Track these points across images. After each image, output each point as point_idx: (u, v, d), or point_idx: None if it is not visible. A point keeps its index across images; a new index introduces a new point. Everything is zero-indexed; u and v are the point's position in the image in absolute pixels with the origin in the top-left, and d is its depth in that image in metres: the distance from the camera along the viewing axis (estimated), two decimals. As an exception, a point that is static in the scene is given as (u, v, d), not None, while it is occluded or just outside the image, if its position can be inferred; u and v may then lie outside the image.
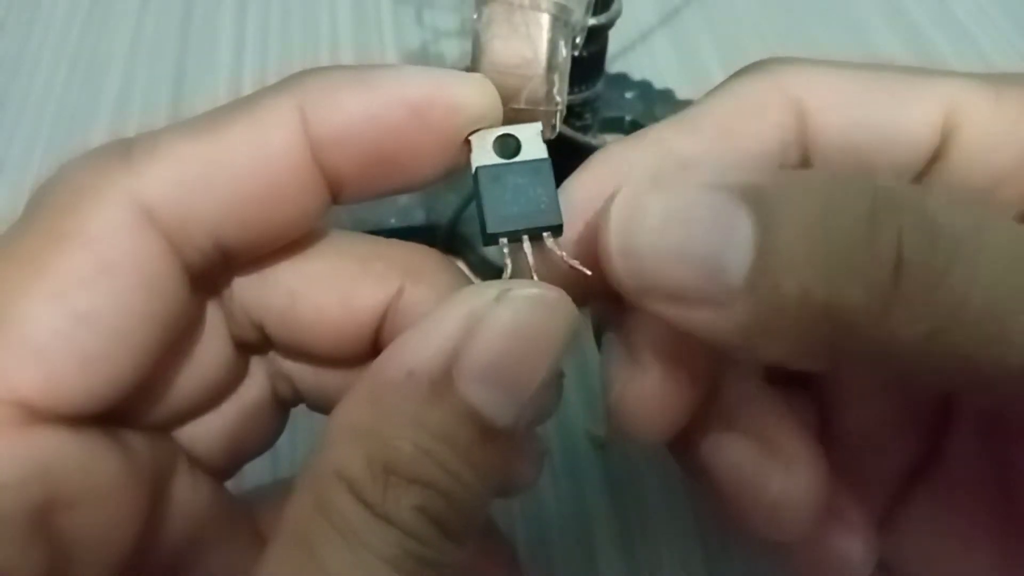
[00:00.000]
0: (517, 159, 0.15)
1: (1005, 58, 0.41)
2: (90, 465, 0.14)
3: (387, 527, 0.13)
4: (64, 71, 0.42)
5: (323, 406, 0.19)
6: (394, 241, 0.18)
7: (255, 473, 0.20)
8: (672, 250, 0.14)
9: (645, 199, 0.14)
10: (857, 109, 0.16)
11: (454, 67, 0.43)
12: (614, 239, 0.14)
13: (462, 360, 0.13)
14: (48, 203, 0.14)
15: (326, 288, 0.17)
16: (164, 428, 0.17)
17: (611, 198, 0.14)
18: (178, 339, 0.16)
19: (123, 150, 0.14)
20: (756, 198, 0.13)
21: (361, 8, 0.44)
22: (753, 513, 0.17)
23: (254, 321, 0.17)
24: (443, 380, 0.13)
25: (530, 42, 0.17)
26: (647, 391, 0.16)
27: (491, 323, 0.13)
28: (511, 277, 0.15)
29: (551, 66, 0.17)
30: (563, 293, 0.14)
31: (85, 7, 0.45)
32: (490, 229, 0.15)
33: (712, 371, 0.17)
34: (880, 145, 0.16)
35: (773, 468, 0.16)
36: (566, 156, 0.19)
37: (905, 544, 0.20)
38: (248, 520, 0.18)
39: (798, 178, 0.14)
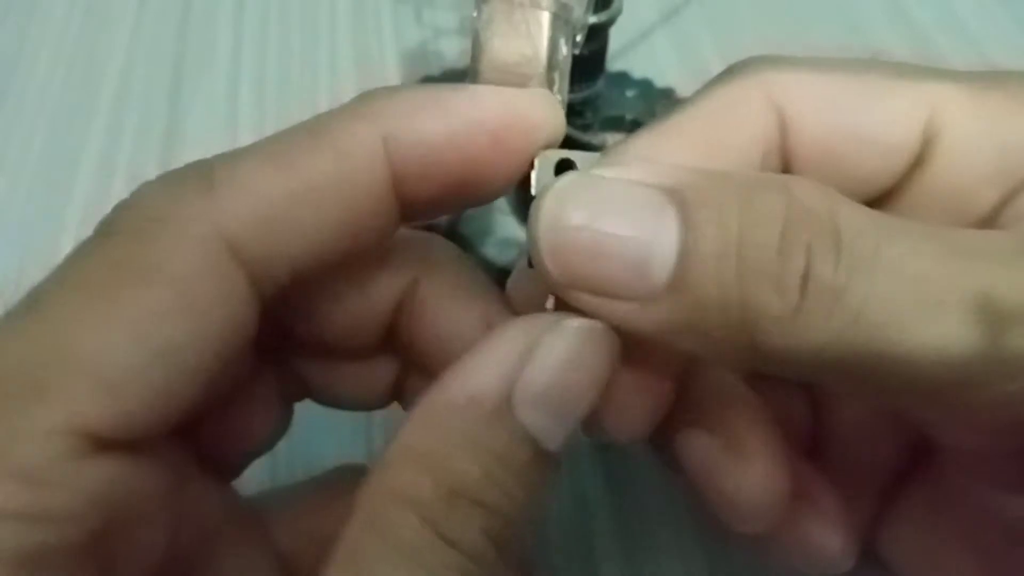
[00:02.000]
0: None
1: (1007, 57, 0.41)
2: (140, 487, 0.14)
3: (450, 550, 0.13)
4: (62, 70, 0.41)
5: (330, 399, 0.19)
6: (409, 232, 0.18)
7: (254, 476, 0.20)
8: (597, 246, 0.14)
9: (575, 194, 0.14)
10: (838, 116, 0.16)
11: (453, 66, 0.43)
12: (542, 230, 0.14)
13: (520, 386, 0.14)
14: (124, 229, 0.14)
15: (344, 278, 0.17)
16: (182, 431, 0.17)
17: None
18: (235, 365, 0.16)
19: (203, 177, 0.14)
20: (682, 200, 0.14)
21: (360, 6, 0.44)
22: (718, 505, 0.17)
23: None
24: (502, 404, 0.14)
25: (530, 40, 0.16)
26: (617, 396, 0.16)
27: (546, 351, 0.14)
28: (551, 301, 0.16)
29: (551, 64, 0.17)
30: (606, 326, 0.15)
31: (83, 6, 0.45)
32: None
33: (680, 369, 0.17)
34: (861, 152, 0.17)
35: (732, 461, 0.17)
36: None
37: (897, 542, 0.20)
38: (258, 525, 0.18)
39: (719, 179, 0.14)
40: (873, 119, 0.16)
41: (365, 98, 0.15)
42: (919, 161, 0.16)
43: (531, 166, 0.16)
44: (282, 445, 0.20)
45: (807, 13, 0.43)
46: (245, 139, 0.15)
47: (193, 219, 0.14)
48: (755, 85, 0.17)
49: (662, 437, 0.18)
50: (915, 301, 0.13)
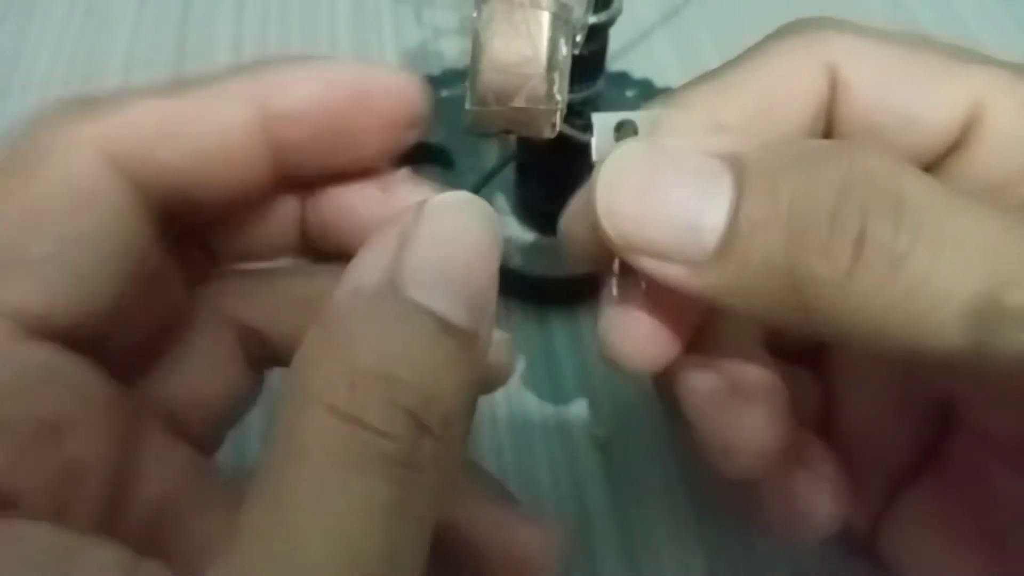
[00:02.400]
0: None
1: (1007, 56, 0.41)
2: (83, 386, 0.15)
3: (356, 429, 0.12)
4: (62, 69, 0.41)
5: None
6: None
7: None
8: (652, 211, 0.15)
9: (631, 160, 0.15)
10: (884, 90, 0.17)
11: (454, 66, 0.43)
12: (600, 196, 0.15)
13: (401, 266, 0.14)
14: (21, 147, 0.16)
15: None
16: (131, 371, 0.17)
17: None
18: (141, 273, 0.17)
19: (91, 102, 0.16)
20: (738, 165, 0.14)
21: (360, 6, 0.44)
22: (712, 445, 0.17)
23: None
24: (385, 287, 0.13)
25: (530, 40, 0.16)
26: (632, 326, 0.17)
27: (420, 230, 0.14)
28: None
29: (551, 65, 0.17)
30: (476, 197, 0.15)
31: (83, 5, 0.45)
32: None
33: (698, 315, 0.18)
34: (900, 127, 0.17)
35: (732, 403, 0.17)
36: (567, 155, 0.19)
37: (902, 539, 0.20)
38: (235, 496, 0.18)
39: (781, 147, 0.15)
40: (920, 98, 0.17)
41: (252, 62, 0.17)
42: (958, 146, 0.17)
43: (589, 128, 0.16)
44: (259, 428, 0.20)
45: (807, 12, 0.43)
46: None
47: (78, 133, 0.15)
48: (813, 45, 0.17)
49: (670, 375, 0.18)
50: (985, 279, 0.13)
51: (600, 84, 0.32)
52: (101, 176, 0.15)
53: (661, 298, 0.17)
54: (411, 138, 0.18)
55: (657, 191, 0.15)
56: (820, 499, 0.19)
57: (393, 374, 0.13)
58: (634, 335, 0.17)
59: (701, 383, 0.18)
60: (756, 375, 0.18)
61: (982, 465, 0.19)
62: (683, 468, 0.27)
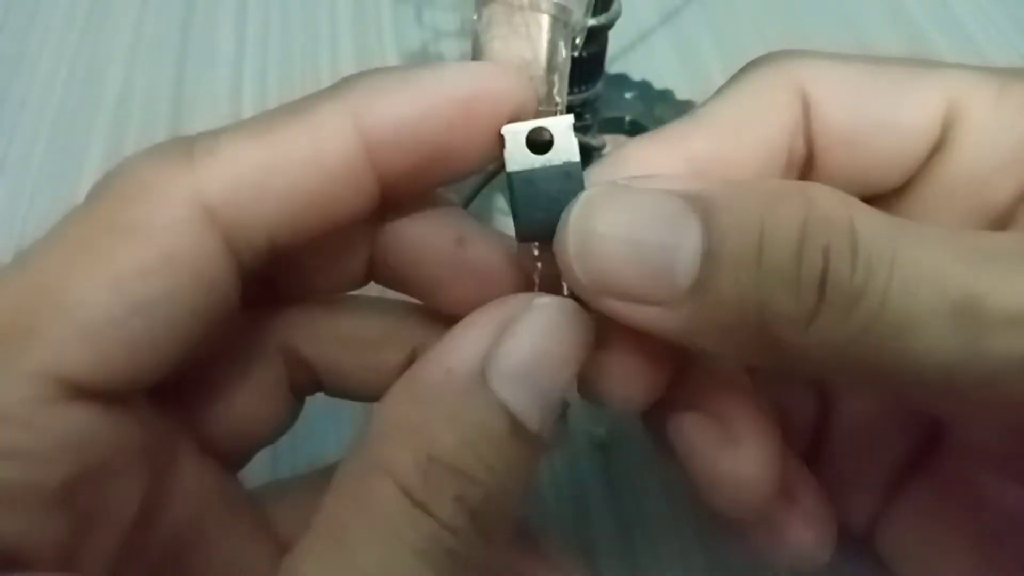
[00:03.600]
0: (550, 159, 0.16)
1: (1004, 57, 0.41)
2: (117, 439, 0.15)
3: (424, 517, 0.13)
4: (64, 71, 0.42)
5: (338, 389, 0.20)
6: None
7: (253, 473, 0.20)
8: (624, 254, 0.14)
9: (602, 204, 0.15)
10: (860, 101, 0.17)
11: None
12: (571, 240, 0.15)
13: (493, 359, 0.14)
14: (110, 194, 0.15)
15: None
16: (173, 393, 0.17)
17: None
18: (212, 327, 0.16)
19: (185, 148, 0.15)
20: (705, 207, 0.14)
21: (361, 8, 0.44)
22: (706, 488, 0.18)
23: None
24: (478, 378, 0.14)
25: (530, 43, 0.17)
26: (614, 364, 0.17)
27: (522, 327, 0.15)
28: (540, 273, 0.17)
29: (551, 67, 0.17)
30: (580, 307, 0.15)
31: (85, 7, 0.45)
32: (523, 234, 0.16)
33: (678, 351, 0.17)
34: (882, 136, 0.17)
35: (723, 447, 0.17)
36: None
37: (895, 538, 0.20)
38: (259, 515, 0.19)
39: (742, 188, 0.15)
40: (894, 105, 0.17)
41: (341, 81, 0.16)
42: (939, 148, 0.17)
43: (501, 141, 0.16)
44: (281, 444, 0.20)
45: (806, 15, 0.43)
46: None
47: (173, 184, 0.15)
48: (781, 73, 0.17)
49: (657, 415, 0.18)
50: (931, 303, 0.13)
51: (599, 86, 0.32)
52: (191, 235, 0.15)
53: (642, 334, 0.16)
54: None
55: (628, 234, 0.14)
56: (807, 535, 0.19)
57: (467, 471, 0.14)
58: (615, 374, 0.17)
59: (691, 427, 0.18)
60: (746, 412, 0.18)
61: (972, 471, 0.19)
62: (691, 514, 0.27)
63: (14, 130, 0.39)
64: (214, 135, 0.15)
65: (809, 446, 0.21)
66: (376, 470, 0.14)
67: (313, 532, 0.14)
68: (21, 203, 0.36)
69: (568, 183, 0.16)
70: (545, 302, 0.15)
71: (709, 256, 0.14)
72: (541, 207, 0.16)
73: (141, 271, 0.14)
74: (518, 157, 0.16)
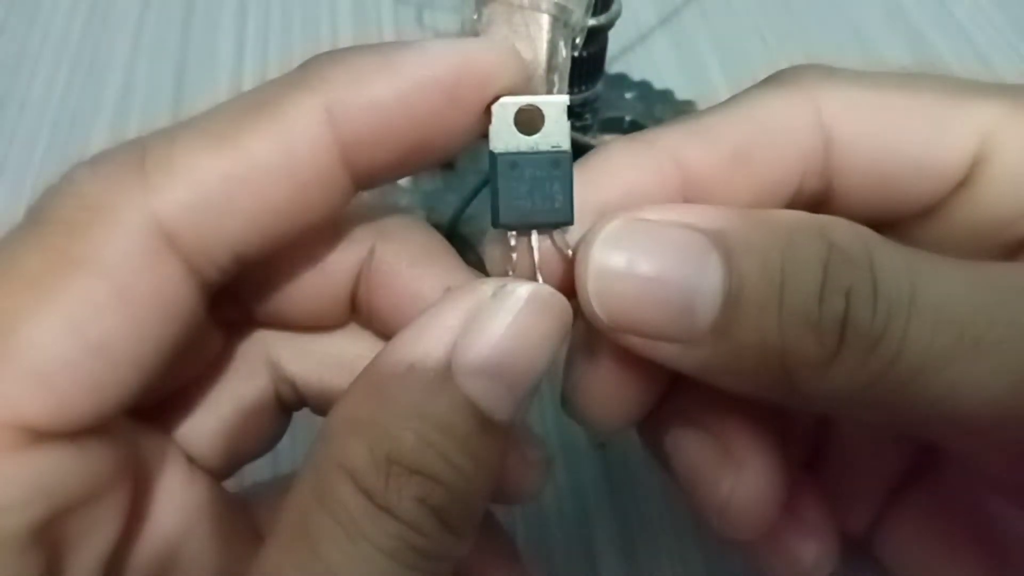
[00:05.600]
0: (538, 142, 0.15)
1: (1004, 60, 0.41)
2: (88, 473, 0.14)
3: (388, 518, 0.13)
4: (65, 71, 0.42)
5: (325, 408, 0.19)
6: (364, 200, 0.17)
7: (255, 474, 0.20)
8: (645, 292, 0.14)
9: (622, 239, 0.14)
10: (889, 141, 0.16)
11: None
12: (591, 276, 0.14)
13: (460, 353, 0.13)
14: (57, 218, 0.13)
15: (299, 253, 0.17)
16: (155, 419, 0.17)
17: (601, 218, 0.15)
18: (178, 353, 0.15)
19: (137, 161, 0.14)
20: (726, 245, 0.14)
21: (361, 8, 0.45)
22: (706, 510, 0.17)
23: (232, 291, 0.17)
24: (443, 372, 0.13)
25: (530, 43, 0.17)
26: (598, 382, 0.16)
27: (488, 318, 0.14)
28: (515, 265, 0.16)
29: (551, 67, 0.17)
30: (557, 292, 0.14)
31: (86, 7, 0.45)
32: (502, 220, 0.15)
33: (669, 371, 0.17)
34: (907, 176, 0.16)
35: (726, 468, 0.17)
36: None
37: (896, 544, 0.20)
38: (245, 518, 0.18)
39: (761, 224, 0.14)
40: (924, 143, 0.16)
41: (308, 64, 0.14)
42: (965, 182, 0.16)
43: (489, 116, 0.15)
44: (283, 447, 0.20)
45: (805, 16, 0.43)
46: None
47: (127, 208, 0.13)
48: (805, 99, 0.16)
49: (654, 433, 0.18)
50: (951, 342, 0.13)
51: (599, 86, 0.32)
52: (147, 265, 0.13)
53: (629, 355, 0.16)
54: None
55: (648, 272, 0.14)
56: (809, 549, 0.19)
57: (430, 473, 0.13)
58: (599, 394, 0.16)
59: (691, 447, 0.17)
60: (746, 431, 0.17)
61: (973, 485, 0.19)
62: (691, 514, 0.27)
63: (15, 131, 0.39)
64: (168, 140, 0.14)
65: (809, 453, 0.21)
66: (336, 469, 0.13)
67: (279, 532, 0.13)
68: (21, 204, 0.36)
69: (555, 171, 0.15)
70: (520, 290, 0.14)
71: (730, 298, 0.14)
72: (523, 194, 0.15)
73: (95, 308, 0.13)
74: (504, 136, 0.15)
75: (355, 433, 0.13)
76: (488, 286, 0.14)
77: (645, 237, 0.14)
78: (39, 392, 0.13)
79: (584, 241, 0.15)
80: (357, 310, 0.18)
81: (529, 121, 0.15)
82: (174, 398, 0.17)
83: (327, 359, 0.18)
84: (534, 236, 0.15)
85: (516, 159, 0.15)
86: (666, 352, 0.14)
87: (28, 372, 0.13)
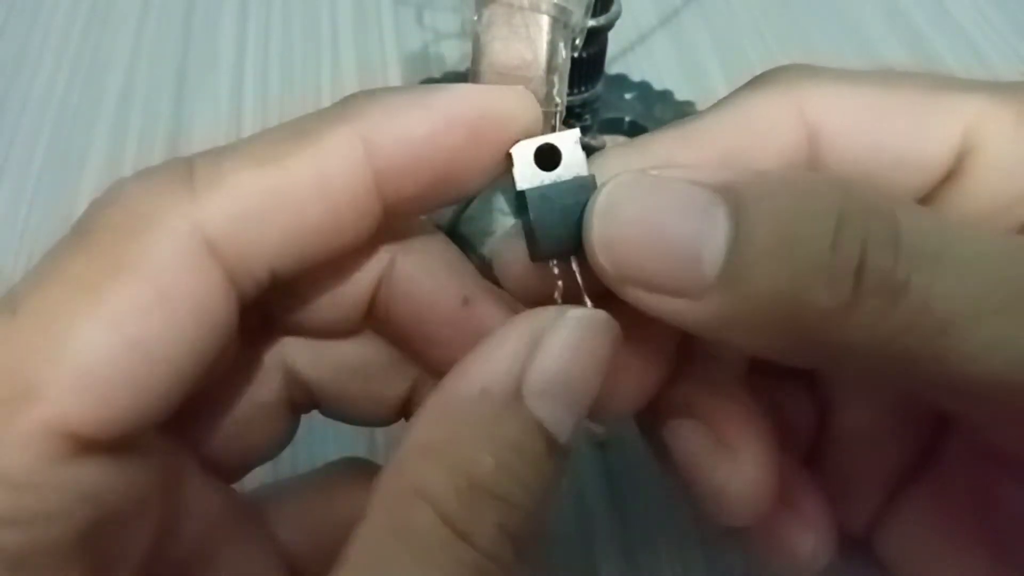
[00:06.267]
0: (560, 174, 0.16)
1: (1003, 60, 0.41)
2: (128, 486, 0.14)
3: (465, 547, 0.13)
4: (65, 73, 0.42)
5: (337, 412, 0.19)
6: None
7: (255, 476, 0.20)
8: (651, 242, 0.14)
9: (628, 192, 0.15)
10: (872, 135, 0.16)
11: (454, 69, 0.43)
12: (596, 230, 0.15)
13: (529, 376, 0.14)
14: (106, 226, 0.14)
15: (324, 263, 0.17)
16: (172, 429, 0.17)
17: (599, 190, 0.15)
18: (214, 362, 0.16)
19: (185, 175, 0.14)
20: (733, 196, 0.14)
21: (362, 9, 0.45)
22: (703, 497, 0.17)
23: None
24: (513, 396, 0.14)
25: (530, 44, 0.17)
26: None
27: (553, 341, 0.14)
28: (561, 291, 0.16)
29: (551, 67, 0.17)
30: (608, 315, 0.15)
31: (87, 8, 0.45)
32: (544, 254, 0.16)
33: (672, 354, 0.17)
34: (893, 169, 0.16)
35: (721, 456, 0.17)
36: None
37: (896, 541, 0.20)
38: (258, 521, 0.19)
39: (774, 177, 0.14)
40: (910, 137, 0.16)
41: (347, 101, 0.15)
42: (952, 175, 0.16)
43: (510, 160, 0.16)
44: (297, 449, 0.20)
45: (805, 16, 0.44)
46: (249, 141, 0.15)
47: (173, 217, 0.14)
48: (787, 97, 0.16)
49: (652, 423, 0.18)
50: (983, 298, 0.13)
51: (599, 86, 0.32)
52: (191, 271, 0.14)
53: (634, 336, 0.16)
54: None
55: (655, 223, 0.14)
56: (806, 540, 0.19)
57: (507, 496, 0.13)
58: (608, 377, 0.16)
59: (687, 435, 0.17)
60: (741, 420, 0.17)
61: (982, 470, 0.19)
62: (691, 513, 0.27)
63: (15, 132, 0.39)
64: (216, 159, 0.15)
65: (809, 449, 0.21)
66: (414, 496, 0.13)
67: (348, 560, 0.13)
68: (22, 205, 0.36)
69: (582, 196, 0.15)
70: (577, 314, 0.15)
71: (737, 245, 0.13)
72: (556, 223, 0.15)
73: (141, 310, 0.13)
74: (528, 175, 0.16)
75: (431, 459, 0.14)
76: (549, 312, 0.15)
77: (652, 189, 0.14)
78: (85, 396, 0.13)
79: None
80: (374, 317, 0.18)
81: (548, 157, 0.16)
82: (188, 403, 0.18)
83: (343, 364, 0.19)
84: (574, 263, 0.16)
85: (544, 192, 0.16)
86: (674, 307, 0.14)
87: (75, 378, 0.13)
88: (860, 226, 0.13)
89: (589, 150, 0.16)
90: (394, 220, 0.16)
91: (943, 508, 0.19)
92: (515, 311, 0.17)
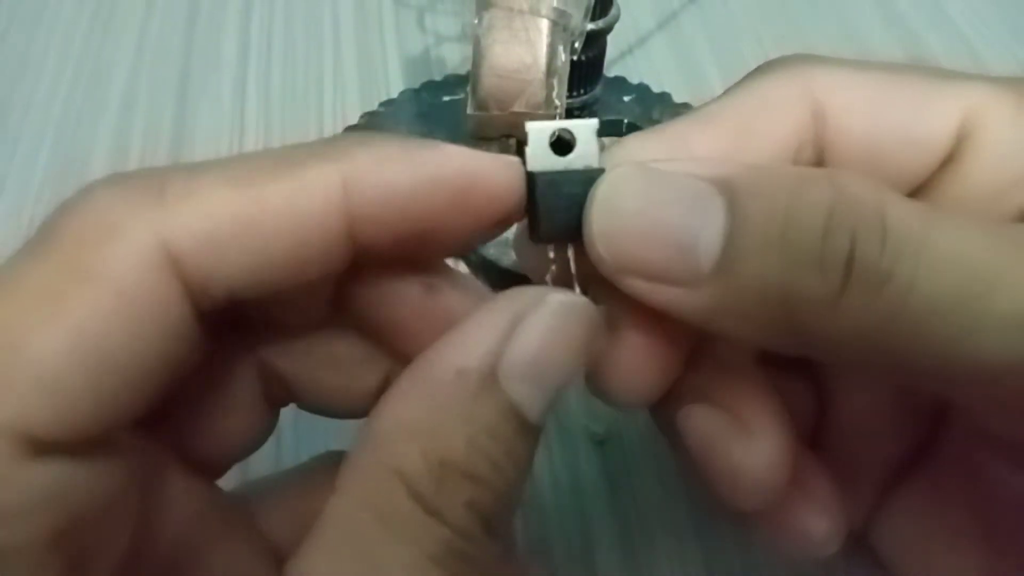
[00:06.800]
0: (571, 162, 0.16)
1: (999, 60, 0.41)
2: (99, 484, 0.14)
3: (437, 524, 0.13)
4: (68, 76, 0.42)
5: (314, 405, 0.19)
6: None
7: (255, 472, 0.20)
8: (648, 232, 0.15)
9: (627, 184, 0.15)
10: (876, 113, 0.17)
11: (456, 72, 0.43)
12: (595, 219, 0.15)
13: (506, 359, 0.14)
14: (70, 232, 0.14)
15: None
16: (148, 424, 0.17)
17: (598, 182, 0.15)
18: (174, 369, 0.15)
19: (157, 186, 0.14)
20: (729, 188, 0.14)
21: (363, 12, 0.45)
22: (717, 480, 0.17)
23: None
24: (489, 377, 0.14)
25: (530, 47, 0.17)
26: (622, 357, 0.17)
27: (532, 324, 0.14)
28: (552, 275, 0.16)
29: (550, 70, 0.17)
30: (589, 301, 0.15)
31: (89, 12, 0.45)
32: (543, 237, 0.16)
33: (689, 343, 0.18)
34: (896, 148, 0.17)
35: (736, 438, 0.17)
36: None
37: (892, 533, 0.20)
38: (244, 517, 0.19)
39: (768, 172, 0.15)
40: (910, 117, 0.17)
41: (336, 139, 0.16)
42: (952, 159, 0.17)
43: (518, 146, 0.16)
44: (287, 450, 0.20)
45: (803, 18, 0.44)
46: (251, 143, 0.15)
47: (139, 225, 0.14)
48: (794, 80, 0.17)
49: (667, 409, 0.18)
50: (964, 287, 0.13)
51: (598, 89, 0.33)
52: (152, 281, 0.14)
53: (651, 325, 0.16)
54: (499, 234, 0.17)
55: (653, 213, 0.15)
56: (817, 521, 0.19)
57: (479, 476, 0.14)
58: (625, 366, 0.17)
59: (702, 419, 0.17)
60: (756, 403, 0.18)
61: (979, 460, 0.19)
62: (690, 513, 0.27)
63: (19, 133, 0.39)
64: (191, 174, 0.14)
65: (810, 439, 0.21)
66: (387, 472, 0.14)
67: (321, 533, 0.14)
68: (26, 205, 0.36)
69: (588, 187, 0.15)
70: (559, 298, 0.15)
71: (732, 236, 0.14)
72: (562, 209, 0.16)
73: (101, 320, 0.13)
74: (540, 156, 0.16)
75: (407, 438, 0.14)
76: (527, 295, 0.15)
77: (651, 181, 0.15)
78: (45, 401, 0.13)
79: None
80: (341, 308, 0.18)
81: (562, 142, 0.16)
82: (164, 401, 0.18)
83: (316, 357, 0.19)
84: (571, 250, 0.16)
85: (553, 177, 0.16)
86: (670, 296, 0.15)
87: (34, 382, 0.13)
88: (850, 218, 0.14)
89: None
90: (362, 263, 0.16)
91: (939, 500, 0.20)
92: (479, 295, 0.17)
